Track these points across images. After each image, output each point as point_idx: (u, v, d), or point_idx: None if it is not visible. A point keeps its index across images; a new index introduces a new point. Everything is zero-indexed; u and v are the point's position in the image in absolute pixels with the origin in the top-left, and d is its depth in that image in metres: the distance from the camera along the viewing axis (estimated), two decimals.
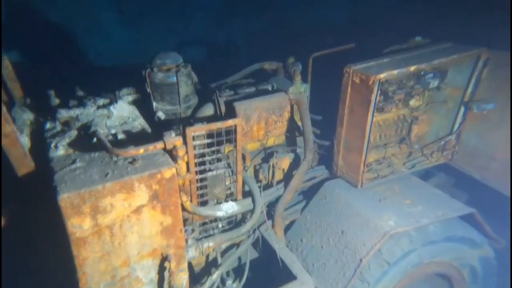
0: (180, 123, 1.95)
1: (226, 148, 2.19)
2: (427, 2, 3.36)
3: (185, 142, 1.69)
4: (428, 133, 2.57)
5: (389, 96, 2.28)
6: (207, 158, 1.90)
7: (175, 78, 1.91)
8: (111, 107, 1.73)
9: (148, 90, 1.95)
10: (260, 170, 2.46)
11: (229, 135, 1.91)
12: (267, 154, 2.54)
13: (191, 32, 4.46)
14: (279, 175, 2.53)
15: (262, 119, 2.11)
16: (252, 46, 4.73)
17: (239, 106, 2.00)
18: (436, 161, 2.56)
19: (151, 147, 1.51)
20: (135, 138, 1.67)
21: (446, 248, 2.03)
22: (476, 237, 2.10)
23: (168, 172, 1.55)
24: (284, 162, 2.48)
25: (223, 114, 2.05)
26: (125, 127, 1.73)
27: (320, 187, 2.53)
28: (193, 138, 1.76)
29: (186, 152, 1.67)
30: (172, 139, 1.57)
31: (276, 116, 2.16)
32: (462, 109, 2.38)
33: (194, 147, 1.79)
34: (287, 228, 2.54)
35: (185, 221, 1.98)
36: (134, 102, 1.98)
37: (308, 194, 2.68)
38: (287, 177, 2.52)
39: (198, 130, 1.74)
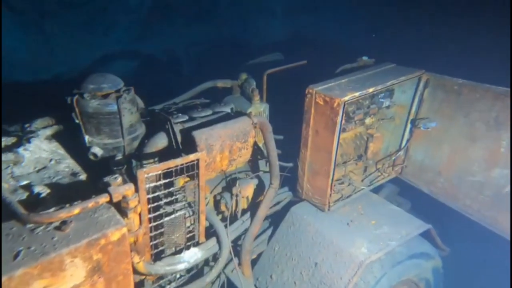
0: (126, 160, 1.53)
1: (181, 180, 1.84)
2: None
3: (137, 189, 1.30)
4: (382, 149, 2.67)
5: (350, 117, 2.27)
6: (163, 201, 1.53)
7: (115, 106, 1.49)
8: (20, 149, 1.22)
9: (77, 120, 1.47)
10: (222, 200, 2.16)
11: (190, 171, 1.58)
12: (229, 182, 2.26)
13: (113, 37, 3.51)
14: (243, 204, 2.27)
15: (226, 147, 1.84)
16: (194, 59, 4.35)
17: (200, 136, 1.68)
18: (388, 175, 2.66)
19: (90, 203, 1.09)
20: (63, 190, 1.21)
21: (410, 265, 2.07)
22: (430, 250, 2.22)
23: (116, 234, 1.15)
24: (248, 189, 2.24)
25: (180, 145, 1.70)
26: (46, 174, 1.24)
27: (285, 212, 2.37)
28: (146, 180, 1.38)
29: (139, 202, 1.28)
30: (121, 189, 1.17)
31: (240, 143, 1.91)
32: (409, 126, 2.53)
33: (148, 191, 1.41)
34: (253, 262, 2.29)
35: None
36: (56, 137, 1.47)
37: (273, 219, 2.49)
38: (252, 206, 2.29)
39: (153, 171, 1.37)
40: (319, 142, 2.14)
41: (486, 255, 2.49)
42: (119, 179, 1.22)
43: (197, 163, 1.56)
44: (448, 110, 2.25)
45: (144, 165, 1.54)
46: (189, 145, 1.67)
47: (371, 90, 2.08)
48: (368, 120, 2.48)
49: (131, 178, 1.38)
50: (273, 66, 2.66)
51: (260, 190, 2.31)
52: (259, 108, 2.36)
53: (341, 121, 1.98)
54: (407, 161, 2.60)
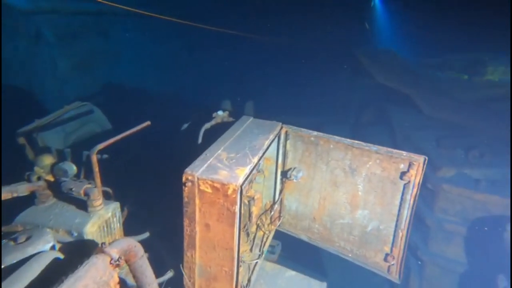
0: None
1: None
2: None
3: None
4: (261, 208, 2.48)
5: None
6: None
7: None
8: None
9: None
10: None
11: None
12: None
13: None
14: None
15: None
16: None
17: None
18: (270, 232, 2.52)
19: None
20: None
21: None
22: None
23: None
24: None
25: None
26: None
27: None
28: None
29: None
30: None
31: None
32: (279, 177, 2.49)
33: None
34: None
35: None
36: None
37: None
38: None
39: None
40: (212, 239, 1.59)
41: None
42: None
43: None
44: (310, 159, 2.38)
45: None
46: None
47: (255, 160, 1.79)
48: None
49: None
50: (92, 135, 1.78)
51: None
52: (107, 215, 1.46)
53: (240, 208, 1.54)
54: (283, 211, 2.56)
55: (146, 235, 1.72)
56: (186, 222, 1.57)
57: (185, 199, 1.53)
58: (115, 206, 1.49)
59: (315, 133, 2.32)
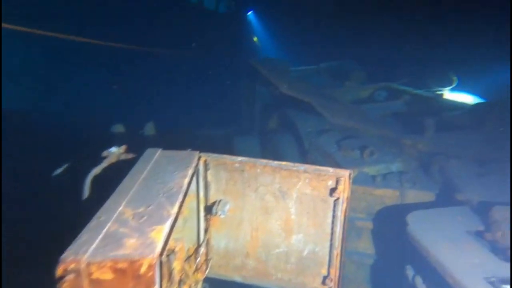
0: None
1: None
2: None
3: None
4: (184, 258, 2.02)
5: None
6: None
7: None
8: None
9: None
10: None
11: None
12: None
13: None
14: None
15: None
16: None
17: None
18: (197, 283, 2.10)
19: None
20: None
21: None
22: None
23: None
24: None
25: None
26: None
27: None
28: None
29: None
30: None
31: None
32: (202, 214, 2.12)
33: None
34: None
35: None
36: None
37: None
38: None
39: None
40: None
41: None
42: None
43: None
44: (236, 188, 2.11)
45: None
46: None
47: (175, 209, 1.38)
48: None
49: None
50: None
51: None
52: None
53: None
54: (210, 253, 2.19)
55: None
56: None
57: None
58: None
59: (239, 158, 2.06)
